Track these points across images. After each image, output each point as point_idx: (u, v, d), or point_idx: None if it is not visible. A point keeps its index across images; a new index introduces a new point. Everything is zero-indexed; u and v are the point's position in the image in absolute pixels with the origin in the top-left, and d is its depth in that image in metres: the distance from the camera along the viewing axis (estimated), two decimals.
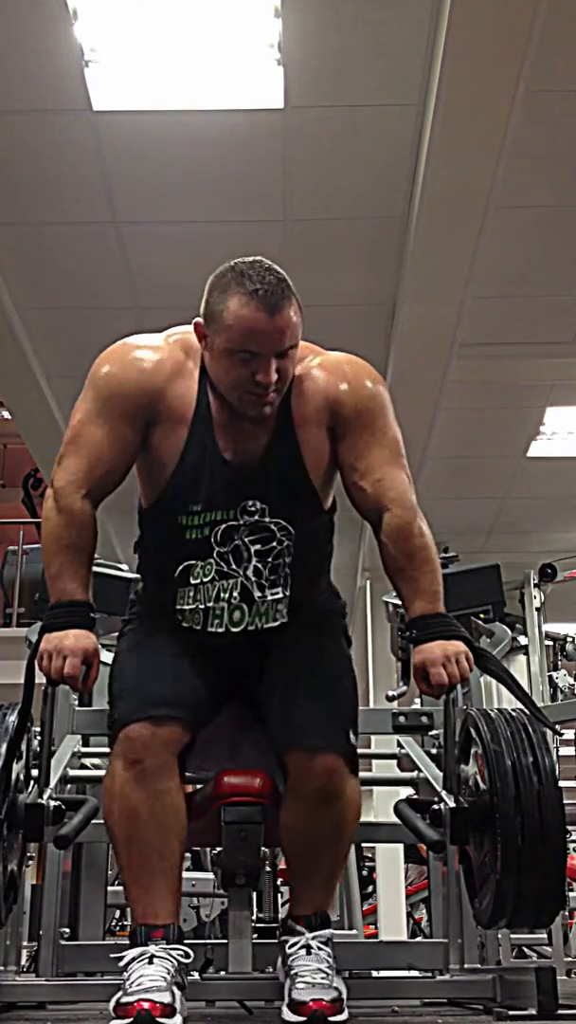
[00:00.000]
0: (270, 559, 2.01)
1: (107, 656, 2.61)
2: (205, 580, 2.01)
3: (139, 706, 1.93)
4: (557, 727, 2.11)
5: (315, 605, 2.14)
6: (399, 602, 2.64)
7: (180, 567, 2.02)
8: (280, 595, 2.03)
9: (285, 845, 2.05)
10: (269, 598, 2.02)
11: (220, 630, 2.02)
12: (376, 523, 2.01)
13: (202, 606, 2.02)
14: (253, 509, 2.00)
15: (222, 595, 2.01)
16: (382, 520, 1.99)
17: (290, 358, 1.95)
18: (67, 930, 2.80)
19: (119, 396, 1.98)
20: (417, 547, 1.98)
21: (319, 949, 1.93)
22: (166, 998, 1.73)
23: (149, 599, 2.17)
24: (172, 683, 1.99)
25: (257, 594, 2.02)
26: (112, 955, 1.88)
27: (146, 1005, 1.70)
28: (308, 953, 1.92)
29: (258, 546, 2.00)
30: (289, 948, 1.94)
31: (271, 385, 1.91)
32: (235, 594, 2.01)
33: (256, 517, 2.00)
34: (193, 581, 2.02)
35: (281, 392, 1.96)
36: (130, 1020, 1.69)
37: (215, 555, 2.00)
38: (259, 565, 2.01)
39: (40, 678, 1.91)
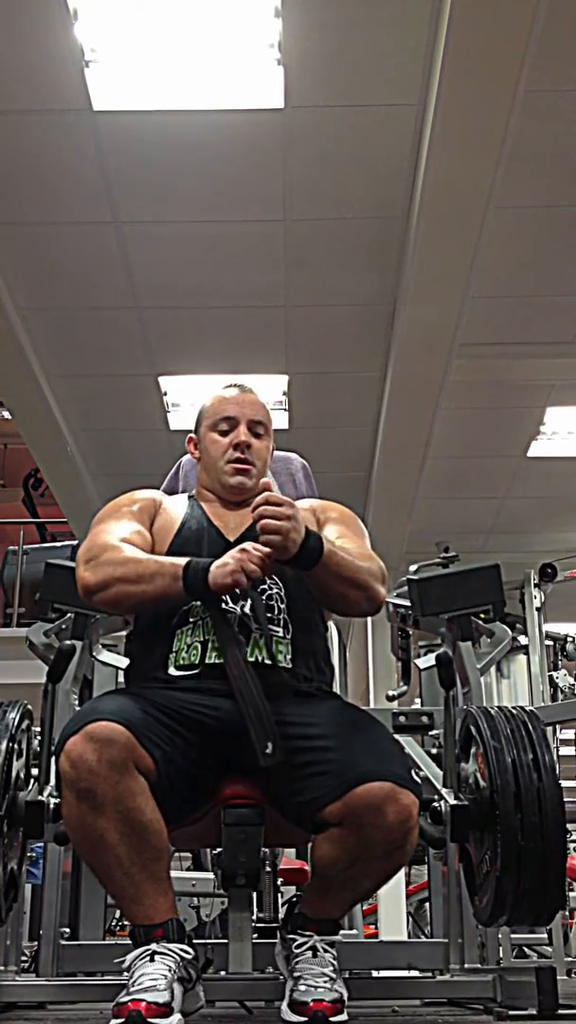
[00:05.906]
0: (263, 599, 2.11)
1: (107, 656, 2.62)
2: (204, 616, 2.08)
3: (80, 722, 1.85)
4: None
5: (318, 682, 2.15)
6: (399, 602, 2.66)
7: (181, 608, 2.09)
8: (279, 633, 2.10)
9: (324, 869, 1.92)
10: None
11: (219, 661, 2.03)
12: None
13: (200, 639, 2.07)
14: None
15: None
16: None
17: (263, 441, 2.28)
18: (67, 930, 2.80)
19: (130, 501, 2.25)
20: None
21: (325, 952, 1.93)
22: (162, 998, 1.73)
23: (135, 674, 2.17)
24: (124, 702, 1.93)
25: (254, 625, 2.07)
26: (115, 960, 1.87)
27: (142, 1005, 1.70)
28: (314, 955, 1.92)
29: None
30: (296, 948, 1.94)
31: (245, 445, 2.23)
32: (234, 626, 2.06)
33: None
34: (192, 619, 2.09)
35: (258, 469, 2.25)
36: (122, 1020, 1.70)
37: None
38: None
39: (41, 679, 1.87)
